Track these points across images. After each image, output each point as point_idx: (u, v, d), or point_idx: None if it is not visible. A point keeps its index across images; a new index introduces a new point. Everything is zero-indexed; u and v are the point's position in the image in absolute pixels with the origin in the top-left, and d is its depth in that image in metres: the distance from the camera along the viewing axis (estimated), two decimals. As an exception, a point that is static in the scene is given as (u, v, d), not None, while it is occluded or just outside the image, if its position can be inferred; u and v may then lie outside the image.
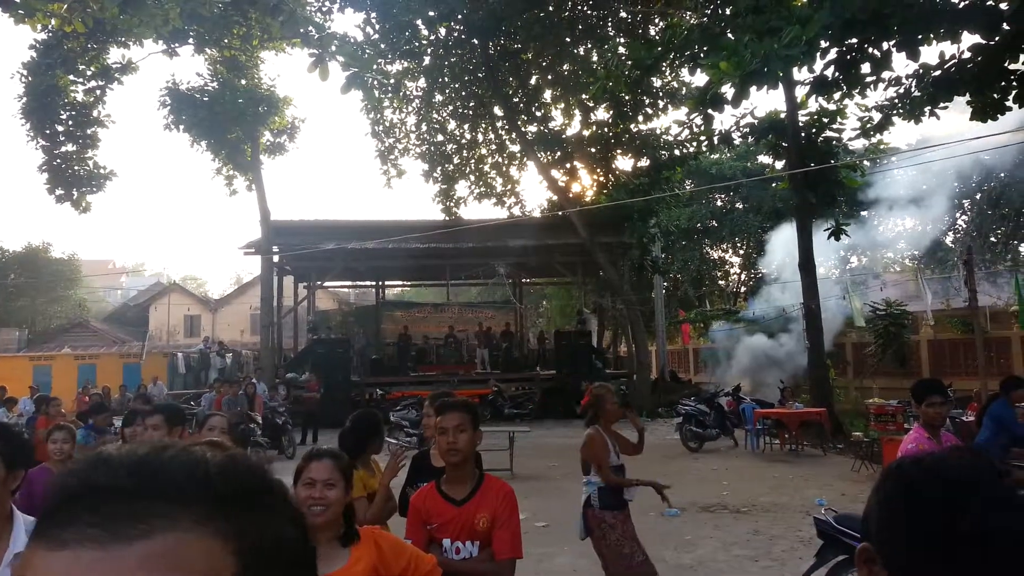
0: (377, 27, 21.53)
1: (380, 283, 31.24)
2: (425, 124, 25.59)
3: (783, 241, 23.98)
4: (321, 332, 23.78)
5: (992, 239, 24.59)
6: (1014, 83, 9.90)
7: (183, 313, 43.90)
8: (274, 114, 23.93)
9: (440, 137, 25.74)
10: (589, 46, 22.70)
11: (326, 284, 29.54)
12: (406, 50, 22.30)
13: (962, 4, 8.99)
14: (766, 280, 27.37)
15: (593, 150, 23.76)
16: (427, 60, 23.22)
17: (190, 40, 21.05)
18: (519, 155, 25.39)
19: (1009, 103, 10.13)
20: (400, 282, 37.39)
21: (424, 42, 22.66)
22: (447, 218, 24.54)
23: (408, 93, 24.82)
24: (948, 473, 0.97)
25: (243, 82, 23.29)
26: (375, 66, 21.20)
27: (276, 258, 24.39)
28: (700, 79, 13.18)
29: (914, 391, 4.62)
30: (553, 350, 24.61)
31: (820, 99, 13.73)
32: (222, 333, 39.55)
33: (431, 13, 20.26)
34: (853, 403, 20.08)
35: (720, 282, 34.17)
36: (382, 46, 21.86)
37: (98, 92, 21.25)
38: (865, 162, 16.24)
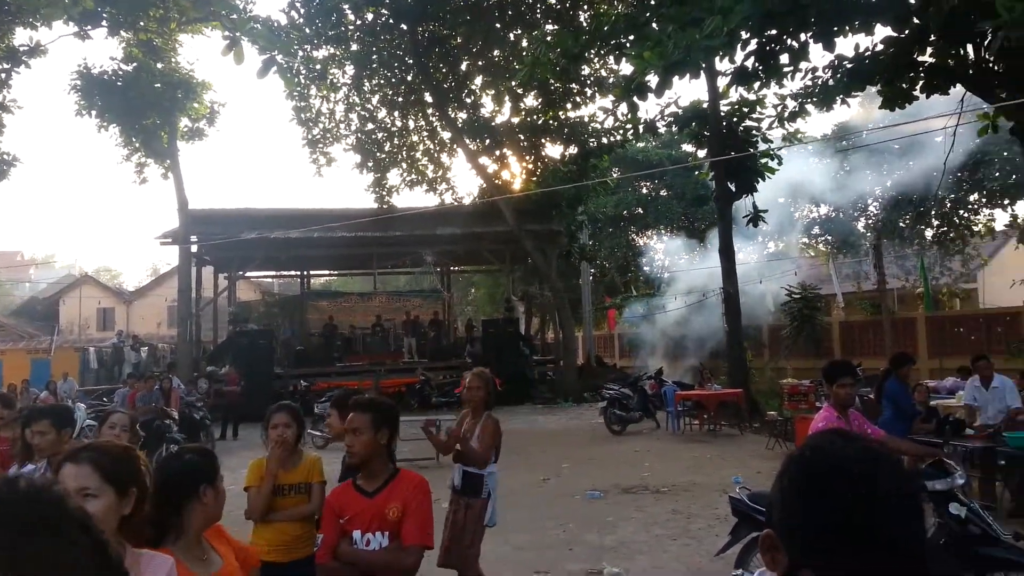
0: (302, 11, 20.97)
1: (305, 273, 30.60)
2: (354, 112, 25.15)
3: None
4: (242, 324, 23.15)
5: (900, 224, 25.76)
6: (922, 74, 10.37)
7: (95, 306, 42.06)
8: (193, 99, 23.08)
9: (370, 125, 25.34)
10: (519, 32, 22.66)
11: (248, 274, 28.77)
12: (332, 35, 21.82)
13: (875, -2, 9.34)
14: (688, 265, 28.01)
15: (522, 137, 23.82)
16: (354, 46, 22.75)
17: (103, 22, 19.97)
18: (449, 142, 25.22)
19: (917, 93, 10.62)
20: (326, 271, 36.72)
21: (351, 27, 22.18)
22: (381, 207, 24.23)
23: (336, 80, 24.32)
24: (848, 465, 0.98)
25: (160, 66, 22.33)
26: (299, 52, 20.72)
27: (194, 248, 23.58)
28: (627, 68, 13.35)
29: (825, 372, 4.77)
30: (481, 338, 24.63)
31: (741, 89, 14.09)
32: (137, 327, 38.06)
33: (357, -2, 19.86)
34: (769, 384, 20.82)
35: (645, 268, 34.78)
36: (307, 31, 21.35)
37: (2, 76, 20.00)
38: (782, 151, 16.74)
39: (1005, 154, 21.31)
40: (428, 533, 2.84)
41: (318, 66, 22.76)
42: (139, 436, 4.32)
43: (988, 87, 9.95)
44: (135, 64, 21.97)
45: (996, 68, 9.67)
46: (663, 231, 35.10)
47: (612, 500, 9.04)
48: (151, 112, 22.09)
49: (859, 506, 0.93)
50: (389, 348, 24.57)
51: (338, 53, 23.34)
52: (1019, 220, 24.97)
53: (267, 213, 24.67)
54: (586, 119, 23.01)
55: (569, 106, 23.11)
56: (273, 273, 33.57)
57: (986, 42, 8.80)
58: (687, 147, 27.25)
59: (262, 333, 22.44)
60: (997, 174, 22.68)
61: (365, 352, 24.45)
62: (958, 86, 10.39)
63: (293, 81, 21.56)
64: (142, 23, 20.24)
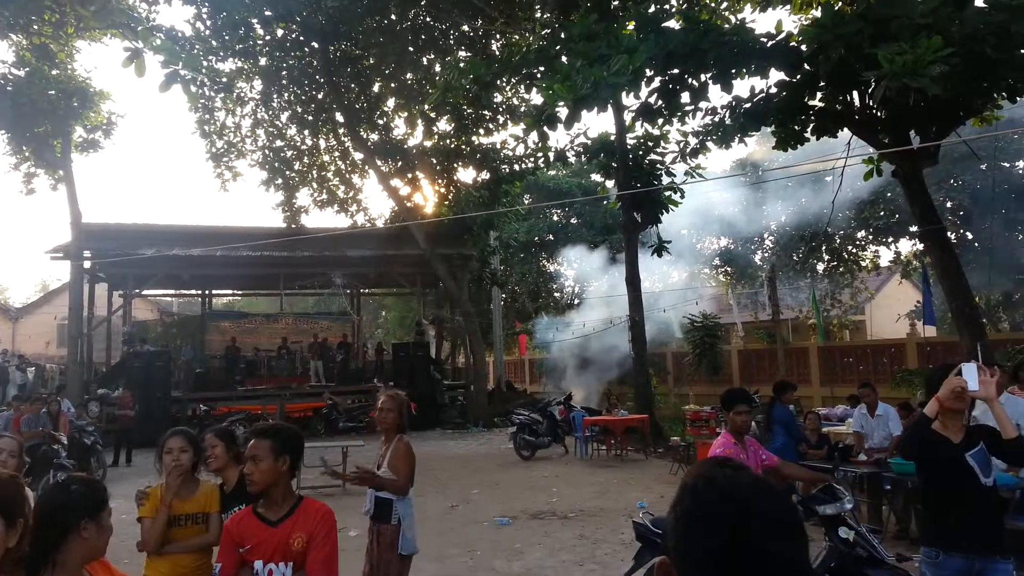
0: (208, 23, 20.44)
1: (207, 292, 29.51)
2: (262, 128, 24.62)
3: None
4: (138, 344, 22.08)
5: (794, 257, 27.16)
6: (812, 117, 11.04)
7: (-24, 322, 39.28)
8: (89, 108, 22.00)
9: (279, 142, 24.85)
10: (432, 57, 22.78)
11: (145, 292, 27.50)
12: (240, 49, 21.34)
13: (769, 44, 9.91)
14: (596, 293, 28.61)
15: (435, 161, 23.87)
16: (263, 60, 22.32)
17: (-8, 23, 18.90)
18: (361, 163, 25.00)
19: (808, 135, 11.30)
20: (230, 291, 35.51)
21: (260, 42, 21.77)
22: (289, 227, 23.68)
23: (242, 94, 23.77)
24: (733, 493, 1.04)
25: (55, 72, 21.23)
26: (203, 64, 20.14)
27: (87, 264, 22.42)
28: (538, 98, 13.64)
29: (723, 400, 4.93)
30: (391, 361, 24.34)
31: (645, 124, 14.61)
32: (24, 345, 35.79)
33: (267, 12, 19.52)
34: (673, 409, 21.45)
35: (556, 294, 35.30)
36: (213, 43, 20.79)
37: None
38: (684, 185, 17.43)
39: (889, 195, 22.82)
40: (334, 567, 2.78)
41: (224, 79, 22.19)
42: (24, 462, 4.07)
43: (873, 132, 10.70)
44: (27, 69, 20.83)
45: (880, 115, 10.41)
46: (573, 257, 35.82)
47: (520, 526, 9.07)
48: (43, 120, 20.92)
49: (744, 531, 0.99)
50: (296, 371, 23.92)
51: (246, 67, 22.87)
52: (902, 257, 26.78)
53: (168, 230, 23.75)
54: (498, 145, 23.32)
55: (482, 132, 23.36)
56: (173, 292, 32.24)
57: (870, 90, 9.48)
58: (596, 176, 27.94)
59: (159, 354, 21.45)
60: (882, 213, 24.26)
61: (270, 375, 23.71)
62: (846, 130, 11.14)
63: (196, 96, 20.95)
64: (36, 27, 19.26)
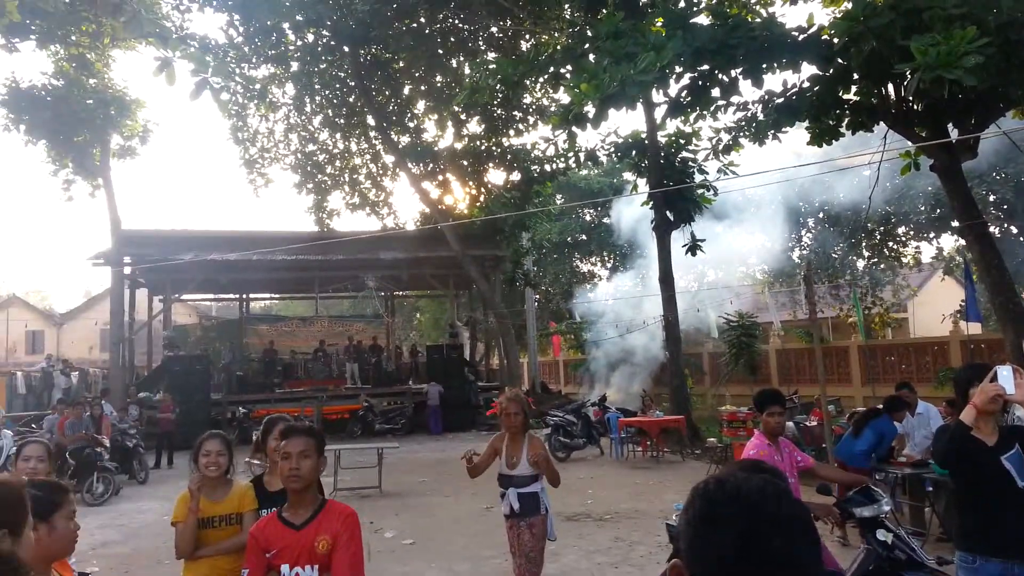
0: (241, 30, 20.78)
1: (244, 296, 29.98)
2: (295, 133, 24.94)
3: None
4: (178, 348, 22.50)
5: (832, 255, 26.68)
6: (847, 111, 10.83)
7: (23, 329, 40.41)
8: (126, 117, 22.52)
9: (312, 147, 25.15)
10: (461, 59, 22.87)
11: (184, 297, 28.04)
12: (272, 55, 21.66)
13: (801, 37, 9.74)
14: (630, 293, 28.43)
15: (465, 163, 23.93)
16: (295, 66, 22.62)
17: (32, 35, 19.44)
18: (392, 166, 25.19)
19: (843, 130, 11.08)
20: (266, 295, 36.05)
21: (292, 47, 22.07)
22: (321, 230, 23.96)
23: (275, 100, 24.11)
24: (746, 495, 1.03)
25: (92, 82, 21.77)
26: (236, 71, 20.45)
27: (128, 270, 22.92)
28: (566, 97, 13.61)
29: (756, 401, 4.84)
30: (426, 364, 24.46)
31: (676, 121, 14.49)
32: (68, 350, 36.77)
33: (298, 18, 19.77)
34: (709, 410, 21.17)
35: (589, 295, 35.18)
36: (246, 50, 21.12)
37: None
38: (717, 183, 17.22)
39: (929, 188, 22.32)
40: (360, 567, 2.79)
41: (257, 85, 22.53)
42: (68, 465, 4.15)
43: (909, 126, 10.45)
44: (66, 79, 21.39)
45: (915, 108, 10.17)
46: (606, 257, 35.66)
47: (555, 528, 9.01)
48: (82, 129, 21.50)
49: (754, 534, 0.98)
50: (331, 374, 24.18)
51: (278, 72, 23.19)
52: (944, 253, 26.16)
53: (204, 235, 24.17)
54: (529, 147, 23.31)
55: (512, 133, 23.39)
56: (211, 296, 32.82)
57: (905, 83, 9.26)
58: (628, 176, 27.77)
59: (198, 358, 21.85)
60: (923, 208, 23.72)
61: (307, 377, 24.01)
62: (881, 124, 10.89)
63: (226, 104, 21.31)
64: (73, 37, 19.76)
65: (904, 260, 26.02)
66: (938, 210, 23.05)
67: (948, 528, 7.50)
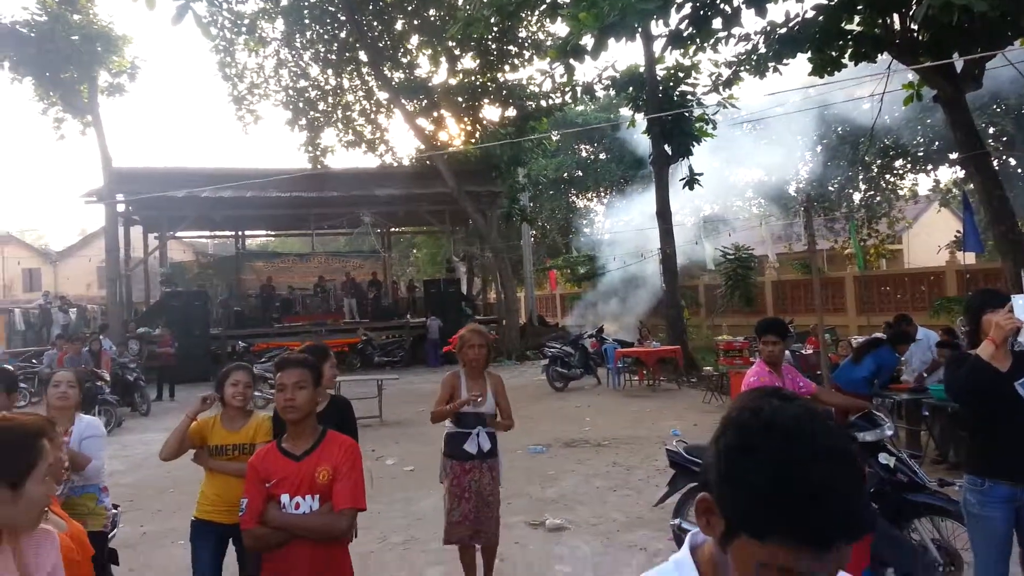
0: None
1: (240, 233, 29.87)
2: (285, 68, 24.40)
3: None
4: (175, 285, 22.54)
5: (830, 188, 26.62)
6: (850, 42, 10.66)
7: (18, 267, 40.34)
8: (112, 53, 21.96)
9: (303, 83, 24.64)
10: (454, -10, 22.25)
11: (179, 234, 27.93)
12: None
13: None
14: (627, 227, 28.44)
15: (460, 99, 23.55)
16: (284, 0, 21.99)
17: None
18: (386, 103, 24.77)
19: (845, 60, 10.93)
20: (262, 232, 35.89)
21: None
22: (315, 167, 23.70)
23: (264, 35, 23.50)
24: (782, 424, 0.97)
25: (77, 17, 21.16)
26: (224, 4, 19.88)
27: (121, 207, 22.77)
28: (563, 29, 13.34)
29: (756, 329, 4.93)
30: (423, 298, 24.63)
31: (676, 54, 14.23)
32: (66, 287, 36.78)
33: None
34: (705, 340, 21.48)
35: (585, 229, 35.18)
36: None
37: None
38: (716, 116, 17.03)
39: (928, 121, 22.12)
40: (361, 496, 2.80)
41: (246, 21, 21.94)
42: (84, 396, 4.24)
43: (914, 56, 10.31)
44: (50, 15, 20.78)
45: (920, 37, 10.02)
46: (602, 192, 35.51)
47: (554, 454, 9.29)
48: (69, 66, 21.00)
49: (792, 464, 0.93)
50: (330, 308, 24.35)
51: (267, 7, 22.57)
52: (941, 185, 26.08)
53: (198, 172, 23.88)
54: (524, 81, 22.93)
55: (507, 68, 22.97)
56: (207, 233, 32.68)
57: (911, 12, 9.11)
58: (625, 111, 27.42)
59: (197, 294, 21.93)
60: (920, 139, 23.56)
61: (305, 312, 24.18)
62: (885, 54, 10.74)
63: (211, 32, 20.80)
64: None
65: (901, 192, 25.96)
66: (936, 143, 22.91)
67: (944, 451, 7.75)
